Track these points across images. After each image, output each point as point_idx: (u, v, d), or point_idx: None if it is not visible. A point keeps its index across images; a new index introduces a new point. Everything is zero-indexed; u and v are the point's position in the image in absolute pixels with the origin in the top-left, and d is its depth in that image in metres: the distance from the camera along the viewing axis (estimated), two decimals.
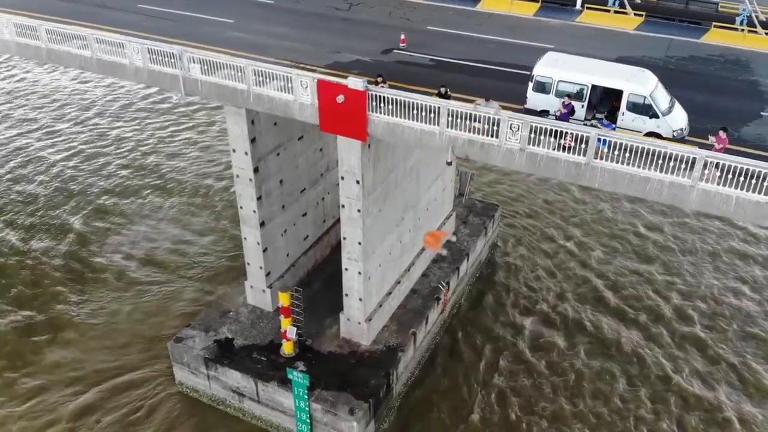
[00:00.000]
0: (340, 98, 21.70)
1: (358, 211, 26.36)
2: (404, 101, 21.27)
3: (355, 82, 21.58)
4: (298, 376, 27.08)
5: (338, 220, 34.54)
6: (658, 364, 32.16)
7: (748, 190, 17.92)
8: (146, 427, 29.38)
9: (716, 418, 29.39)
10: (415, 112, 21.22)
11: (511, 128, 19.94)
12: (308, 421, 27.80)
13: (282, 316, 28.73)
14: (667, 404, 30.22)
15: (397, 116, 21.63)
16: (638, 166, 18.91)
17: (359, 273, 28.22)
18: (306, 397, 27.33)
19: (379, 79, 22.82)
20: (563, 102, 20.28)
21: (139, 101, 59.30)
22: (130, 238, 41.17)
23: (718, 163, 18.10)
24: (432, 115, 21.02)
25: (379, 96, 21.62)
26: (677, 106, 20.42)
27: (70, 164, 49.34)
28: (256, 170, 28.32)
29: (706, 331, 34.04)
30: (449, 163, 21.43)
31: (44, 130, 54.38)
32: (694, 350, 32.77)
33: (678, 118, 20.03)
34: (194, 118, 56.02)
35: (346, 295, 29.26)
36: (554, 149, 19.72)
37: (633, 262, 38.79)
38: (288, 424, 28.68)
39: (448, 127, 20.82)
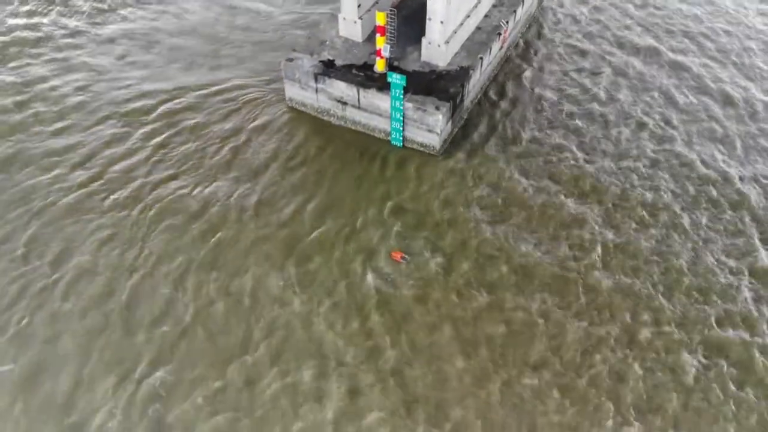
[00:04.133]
0: None
1: None
2: None
3: None
4: (396, 78, 33.38)
5: None
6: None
7: None
8: (260, 124, 36.40)
9: None
10: None
11: None
12: (401, 119, 34.67)
13: (378, 35, 34.42)
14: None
15: None
16: None
17: None
18: (401, 97, 33.92)
19: None
20: None
21: None
22: None
23: None
24: None
25: None
26: None
27: None
28: None
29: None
30: None
31: None
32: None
33: None
34: None
35: (429, 19, 34.70)
36: None
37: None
38: (383, 126, 35.56)
39: None
